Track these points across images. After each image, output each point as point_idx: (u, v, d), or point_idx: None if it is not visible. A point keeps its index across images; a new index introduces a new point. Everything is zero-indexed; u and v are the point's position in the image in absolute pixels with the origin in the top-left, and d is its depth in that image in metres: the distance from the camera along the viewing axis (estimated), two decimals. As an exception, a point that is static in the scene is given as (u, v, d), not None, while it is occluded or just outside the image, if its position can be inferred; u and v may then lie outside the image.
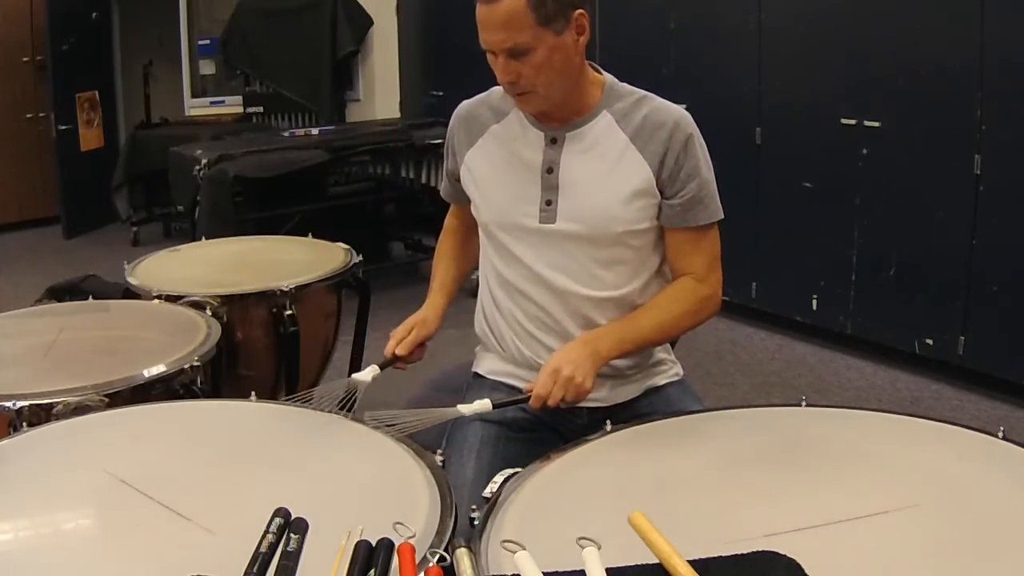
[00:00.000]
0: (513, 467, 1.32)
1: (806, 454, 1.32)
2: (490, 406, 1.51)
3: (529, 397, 1.52)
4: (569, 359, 1.51)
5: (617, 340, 1.57)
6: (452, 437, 1.70)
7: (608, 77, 1.69)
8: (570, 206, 1.62)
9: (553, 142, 1.64)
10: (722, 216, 1.66)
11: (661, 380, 1.76)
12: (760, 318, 4.27)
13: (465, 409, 1.51)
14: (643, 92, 1.68)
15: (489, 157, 1.71)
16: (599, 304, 1.65)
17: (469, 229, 1.86)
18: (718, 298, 1.67)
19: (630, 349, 1.60)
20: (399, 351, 1.71)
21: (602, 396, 1.68)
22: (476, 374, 1.80)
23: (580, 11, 1.53)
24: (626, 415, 1.67)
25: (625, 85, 1.69)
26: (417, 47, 6.24)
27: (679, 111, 1.65)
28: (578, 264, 1.63)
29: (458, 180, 1.79)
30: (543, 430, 1.70)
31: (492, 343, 1.77)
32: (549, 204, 1.63)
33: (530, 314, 1.68)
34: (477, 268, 1.85)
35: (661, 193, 1.62)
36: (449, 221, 1.93)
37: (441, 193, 1.92)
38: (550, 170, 1.63)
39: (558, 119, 1.65)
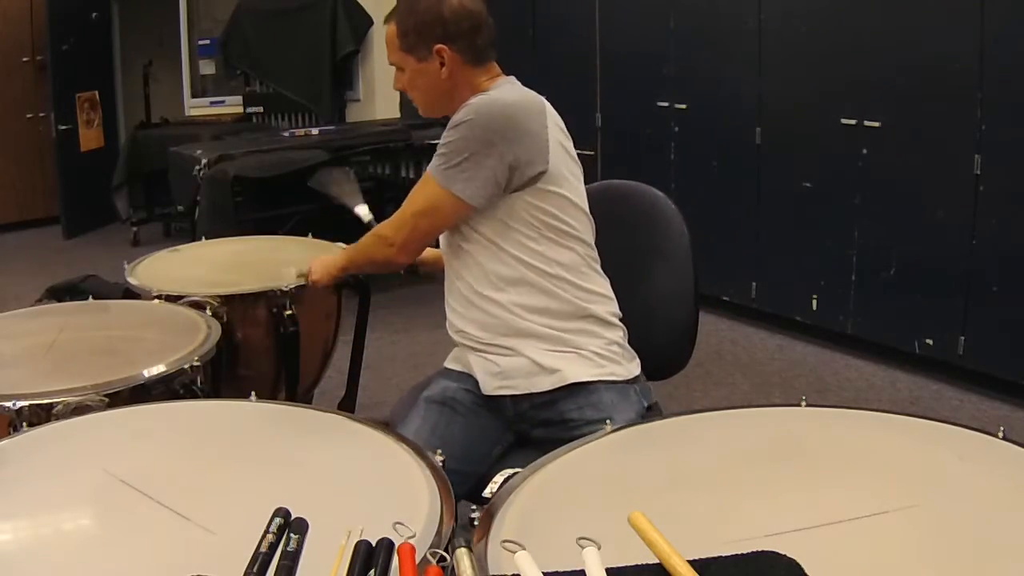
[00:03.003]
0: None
1: (806, 454, 1.32)
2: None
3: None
4: (321, 261, 2.14)
5: (343, 258, 2.08)
6: (404, 420, 1.83)
7: None
8: None
9: None
10: (440, 181, 1.73)
11: (585, 376, 1.76)
12: (760, 318, 4.27)
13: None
14: None
15: None
16: (467, 267, 1.82)
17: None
18: (395, 248, 1.85)
19: (348, 264, 2.07)
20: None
21: (515, 384, 1.78)
22: (444, 367, 1.95)
23: (441, 46, 1.78)
24: (550, 414, 1.77)
25: None
26: (417, 47, 6.24)
27: (498, 96, 1.75)
28: (451, 241, 1.86)
29: None
30: (483, 415, 1.83)
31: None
32: None
33: (447, 289, 1.90)
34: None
35: None
36: None
37: None
38: None
39: None
